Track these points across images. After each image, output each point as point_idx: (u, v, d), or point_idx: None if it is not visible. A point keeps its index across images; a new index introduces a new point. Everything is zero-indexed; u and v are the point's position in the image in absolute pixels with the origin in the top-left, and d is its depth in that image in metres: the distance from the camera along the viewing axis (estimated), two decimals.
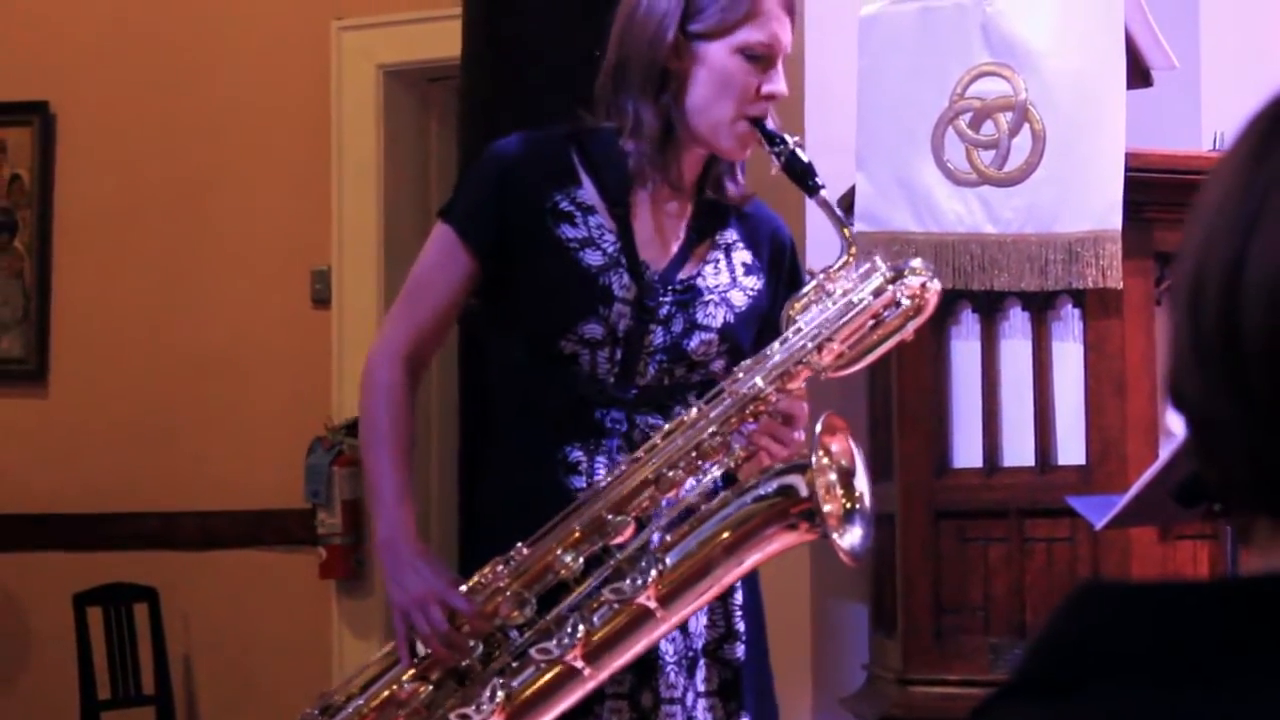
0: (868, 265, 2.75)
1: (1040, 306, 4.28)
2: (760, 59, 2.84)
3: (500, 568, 2.75)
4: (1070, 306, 4.25)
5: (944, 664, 4.32)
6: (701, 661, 2.89)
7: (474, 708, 2.71)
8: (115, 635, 6.58)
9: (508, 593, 2.74)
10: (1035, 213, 4.17)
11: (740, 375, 2.74)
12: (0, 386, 7.13)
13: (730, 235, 2.98)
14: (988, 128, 4.22)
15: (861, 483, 2.73)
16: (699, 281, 2.90)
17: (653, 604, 2.66)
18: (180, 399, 6.85)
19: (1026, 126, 4.18)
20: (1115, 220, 4.08)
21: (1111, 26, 4.15)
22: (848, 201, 4.28)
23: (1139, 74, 4.32)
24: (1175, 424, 4.26)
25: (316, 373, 6.63)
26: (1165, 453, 3.21)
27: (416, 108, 6.88)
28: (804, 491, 2.64)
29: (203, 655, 6.83)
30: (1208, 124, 4.66)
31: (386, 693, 2.81)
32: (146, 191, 6.95)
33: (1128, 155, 4.11)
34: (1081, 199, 4.12)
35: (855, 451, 2.74)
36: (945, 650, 4.33)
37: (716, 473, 2.77)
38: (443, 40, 5.77)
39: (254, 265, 6.82)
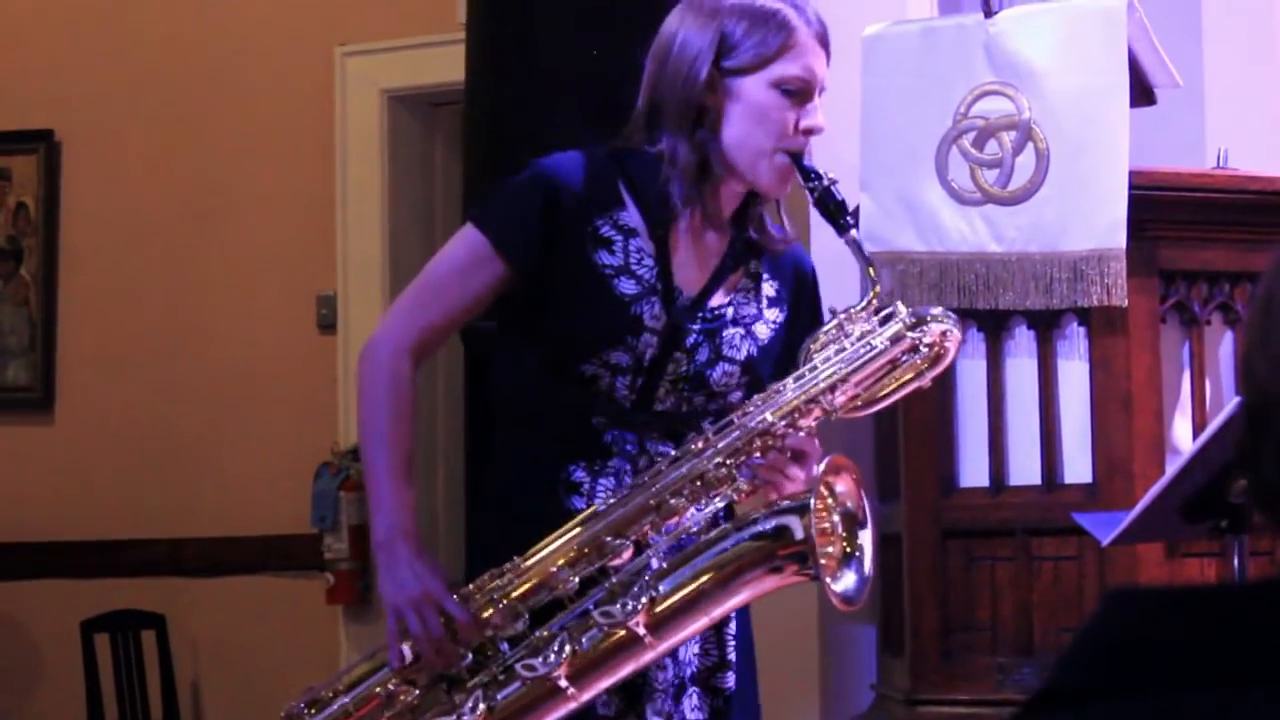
0: (889, 309, 2.75)
1: (1046, 325, 4.29)
2: (796, 94, 2.84)
3: (496, 579, 2.75)
4: (1075, 325, 4.26)
5: (952, 684, 4.31)
6: (691, 690, 2.88)
7: (455, 717, 2.72)
8: (123, 662, 6.57)
9: (501, 604, 2.74)
10: (1039, 231, 4.17)
11: (751, 409, 2.73)
12: (7, 414, 7.13)
13: (759, 265, 2.98)
14: (991, 147, 4.23)
15: (865, 537, 2.73)
16: (728, 311, 2.90)
17: (642, 630, 2.66)
18: (187, 425, 6.85)
19: (1030, 145, 4.19)
20: (1120, 238, 4.09)
21: (1114, 45, 4.16)
22: None
23: (1142, 92, 4.33)
24: (1181, 441, 4.25)
25: (322, 398, 6.63)
26: (1172, 469, 3.21)
27: (421, 132, 6.89)
28: (799, 534, 2.63)
29: (210, 682, 6.83)
30: (1211, 142, 4.66)
31: (373, 693, 2.81)
32: (151, 218, 6.96)
33: (1132, 173, 4.11)
34: (1086, 217, 4.13)
35: (863, 498, 2.73)
36: (953, 670, 4.32)
37: (720, 504, 2.76)
38: (447, 64, 5.78)
39: (259, 291, 6.82)
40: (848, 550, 2.71)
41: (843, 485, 2.72)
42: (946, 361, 2.76)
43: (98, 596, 6.69)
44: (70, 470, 6.98)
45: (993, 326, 4.33)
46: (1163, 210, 4.22)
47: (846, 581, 2.69)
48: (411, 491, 2.87)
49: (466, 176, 4.84)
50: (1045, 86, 4.19)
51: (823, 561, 2.66)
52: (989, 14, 4.26)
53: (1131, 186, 4.10)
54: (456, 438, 6.40)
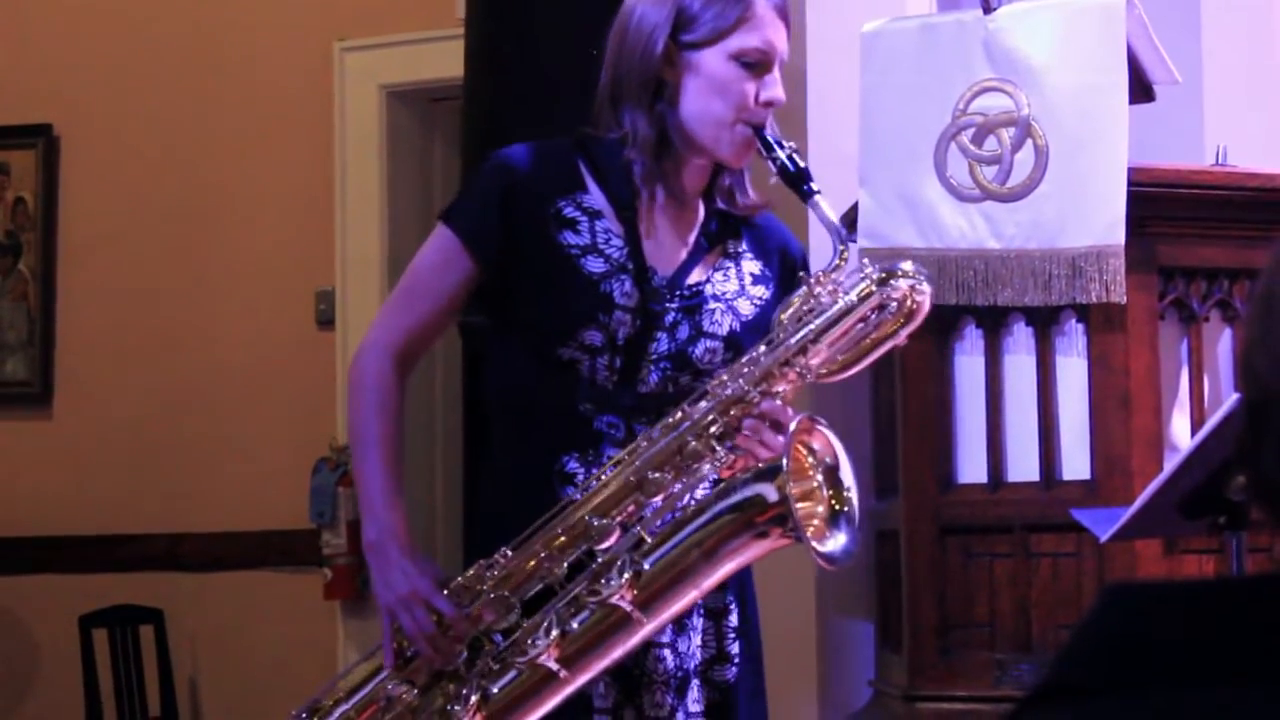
0: (858, 269, 2.75)
1: (1044, 321, 4.28)
2: (755, 65, 2.84)
3: (485, 571, 2.76)
4: (1074, 321, 4.26)
5: (950, 680, 4.31)
6: (694, 682, 2.88)
7: (453, 710, 2.72)
8: (121, 657, 6.57)
9: (491, 596, 2.74)
10: (1038, 228, 4.17)
11: (725, 378, 2.73)
12: (5, 409, 7.13)
13: (740, 244, 2.98)
14: (990, 143, 4.23)
15: (847, 478, 2.71)
16: (706, 288, 2.90)
17: (629, 607, 2.65)
18: (185, 421, 6.85)
19: (1029, 142, 4.18)
20: (1118, 235, 4.08)
21: (1113, 41, 4.15)
22: (851, 218, 4.29)
23: (1141, 89, 4.32)
24: (1180, 437, 4.25)
25: (321, 393, 6.63)
26: (1170, 465, 3.21)
27: (419, 128, 6.89)
28: (773, 497, 2.62)
29: (208, 677, 6.83)
30: (1210, 139, 4.66)
31: (374, 697, 2.81)
32: (150, 213, 6.96)
33: (1130, 170, 4.11)
34: (1084, 214, 4.12)
35: (837, 447, 2.72)
36: (951, 666, 4.32)
37: (708, 473, 2.75)
38: (445, 60, 5.79)
39: (258, 286, 6.83)
40: (836, 507, 2.70)
41: (818, 443, 2.71)
42: (920, 318, 2.74)
43: (96, 591, 6.69)
44: (69, 465, 6.98)
45: (991, 323, 4.33)
46: (1161, 207, 4.22)
47: (834, 542, 2.68)
48: (401, 492, 2.88)
49: (465, 172, 4.84)
50: (1044, 83, 4.18)
51: (814, 522, 2.66)
52: (988, 10, 4.26)
53: (1130, 183, 4.10)
54: (455, 434, 6.40)
